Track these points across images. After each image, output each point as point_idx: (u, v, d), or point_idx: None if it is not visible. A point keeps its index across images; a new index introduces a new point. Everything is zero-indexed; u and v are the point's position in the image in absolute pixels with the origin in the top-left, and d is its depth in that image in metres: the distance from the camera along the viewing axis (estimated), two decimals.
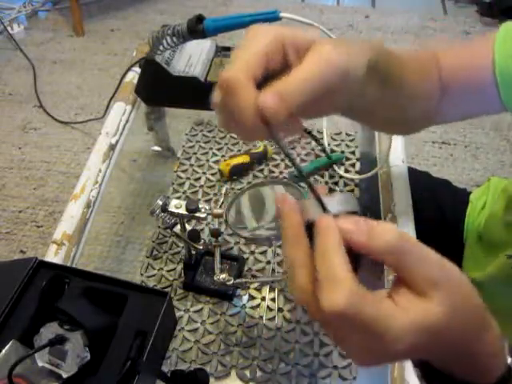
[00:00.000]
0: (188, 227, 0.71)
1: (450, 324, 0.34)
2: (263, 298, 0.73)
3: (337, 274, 0.33)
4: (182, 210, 0.67)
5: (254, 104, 0.38)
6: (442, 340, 0.35)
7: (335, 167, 0.90)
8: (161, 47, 0.75)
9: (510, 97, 0.57)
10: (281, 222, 0.38)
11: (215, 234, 0.70)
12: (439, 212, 0.85)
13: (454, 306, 0.34)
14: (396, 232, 0.34)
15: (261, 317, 0.71)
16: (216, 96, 0.41)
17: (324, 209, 0.37)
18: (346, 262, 0.33)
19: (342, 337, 0.35)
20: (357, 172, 0.91)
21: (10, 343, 0.50)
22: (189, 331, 0.70)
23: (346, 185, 0.89)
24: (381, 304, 0.33)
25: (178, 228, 0.71)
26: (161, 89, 0.83)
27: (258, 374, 0.66)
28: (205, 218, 0.67)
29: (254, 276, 0.76)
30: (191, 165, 0.94)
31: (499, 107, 0.59)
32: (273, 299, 0.73)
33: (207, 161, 0.94)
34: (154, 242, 0.81)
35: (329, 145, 0.94)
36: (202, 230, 0.82)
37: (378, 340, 0.33)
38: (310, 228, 0.37)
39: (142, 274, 0.77)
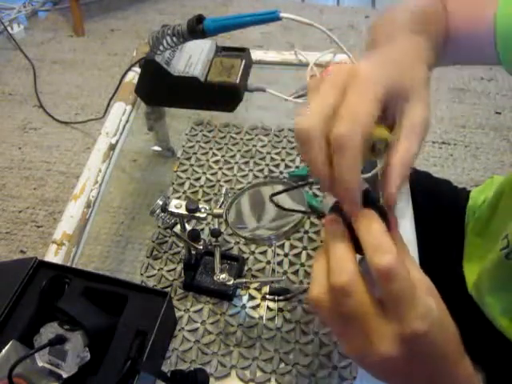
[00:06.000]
0: (188, 227, 0.71)
1: (441, 326, 0.36)
2: (263, 298, 0.73)
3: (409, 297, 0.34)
4: (182, 210, 0.67)
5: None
6: (436, 346, 0.36)
7: None
8: (161, 47, 0.75)
9: (507, 56, 0.58)
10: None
11: (215, 234, 0.70)
12: (440, 212, 0.84)
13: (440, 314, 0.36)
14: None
15: (261, 317, 0.71)
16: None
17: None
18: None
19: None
20: None
21: (10, 343, 0.50)
22: (189, 331, 0.70)
23: None
24: None
25: (178, 228, 0.71)
26: (161, 89, 0.83)
27: (258, 374, 0.66)
28: (205, 218, 0.67)
29: (254, 276, 0.76)
30: (191, 165, 0.94)
31: (495, 61, 0.60)
32: (273, 299, 0.73)
33: (207, 161, 0.94)
34: (154, 242, 0.82)
35: None
36: (202, 230, 0.82)
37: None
38: None
39: (142, 274, 0.77)
